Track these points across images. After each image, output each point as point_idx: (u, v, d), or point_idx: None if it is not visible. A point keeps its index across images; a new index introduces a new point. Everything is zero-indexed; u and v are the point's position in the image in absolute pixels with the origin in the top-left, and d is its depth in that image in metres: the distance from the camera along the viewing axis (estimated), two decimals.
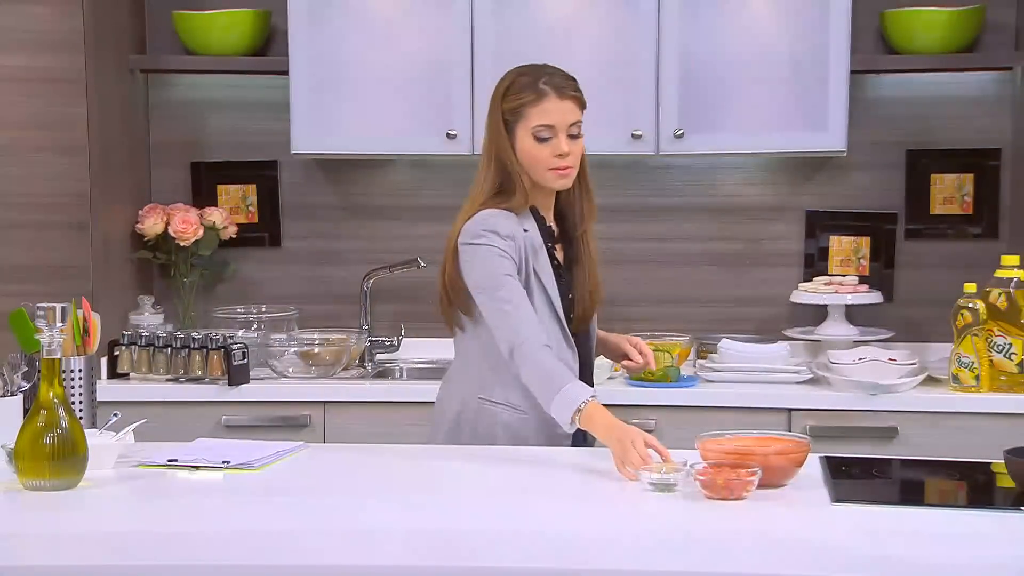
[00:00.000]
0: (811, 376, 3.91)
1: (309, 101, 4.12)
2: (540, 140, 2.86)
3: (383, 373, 4.29)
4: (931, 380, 3.85)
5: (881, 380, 3.75)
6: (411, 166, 4.45)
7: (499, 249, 2.81)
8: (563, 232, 3.00)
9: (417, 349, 4.36)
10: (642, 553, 2.16)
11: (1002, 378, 3.69)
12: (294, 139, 4.14)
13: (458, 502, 2.47)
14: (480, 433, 2.95)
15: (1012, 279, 3.66)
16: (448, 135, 4.08)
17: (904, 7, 4.03)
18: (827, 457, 2.72)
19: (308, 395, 3.94)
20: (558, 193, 2.97)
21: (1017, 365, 3.65)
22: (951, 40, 3.99)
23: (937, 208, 4.23)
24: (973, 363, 3.70)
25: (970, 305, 3.72)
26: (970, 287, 3.76)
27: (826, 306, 4.13)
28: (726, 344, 4.03)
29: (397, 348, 4.34)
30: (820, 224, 4.30)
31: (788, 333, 4.15)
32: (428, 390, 3.94)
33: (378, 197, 4.48)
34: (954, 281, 3.86)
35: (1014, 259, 3.68)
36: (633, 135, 4.02)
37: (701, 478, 2.38)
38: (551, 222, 2.98)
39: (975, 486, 2.75)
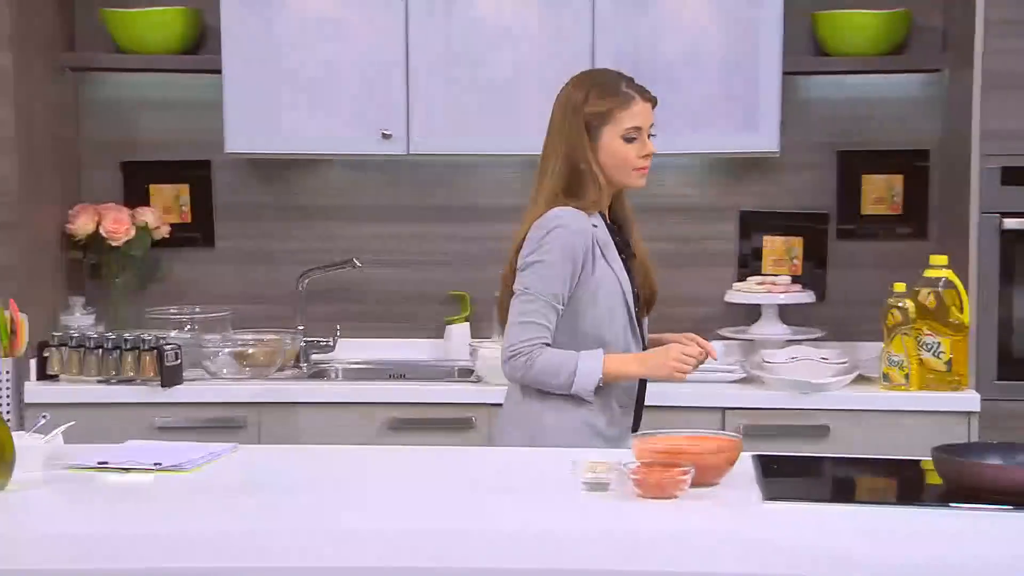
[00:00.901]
0: (745, 375, 3.94)
1: (243, 100, 4.09)
2: (628, 141, 2.99)
3: (319, 374, 4.27)
4: (862, 379, 3.89)
5: (813, 379, 3.79)
6: (346, 166, 4.43)
7: (565, 249, 2.91)
8: (619, 227, 3.12)
9: (353, 349, 4.35)
10: (575, 552, 2.16)
11: (930, 376, 3.74)
12: (228, 138, 4.11)
13: (391, 502, 2.46)
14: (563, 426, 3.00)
15: (940, 279, 3.71)
16: (383, 135, 4.07)
17: (835, 10, 4.07)
18: (759, 455, 2.74)
19: (242, 396, 3.91)
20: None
21: (945, 363, 3.70)
22: (880, 42, 4.04)
23: (868, 208, 4.28)
24: (903, 362, 3.75)
25: (900, 304, 3.76)
26: (899, 287, 3.81)
27: (759, 306, 4.16)
28: None
29: (333, 349, 4.31)
30: (754, 224, 4.33)
31: (722, 332, 4.18)
32: (364, 391, 3.96)
33: (313, 197, 4.46)
34: (884, 281, 3.90)
35: (942, 259, 3.73)
36: None
37: (634, 477, 2.39)
38: (608, 220, 3.09)
39: (905, 483, 2.78)
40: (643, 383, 3.11)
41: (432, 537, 2.22)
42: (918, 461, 2.81)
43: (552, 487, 2.52)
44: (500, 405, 3.82)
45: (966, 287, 3.73)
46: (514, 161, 4.36)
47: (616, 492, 2.43)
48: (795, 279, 4.22)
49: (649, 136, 3.04)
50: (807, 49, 4.19)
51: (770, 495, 2.45)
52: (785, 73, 3.99)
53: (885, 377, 3.80)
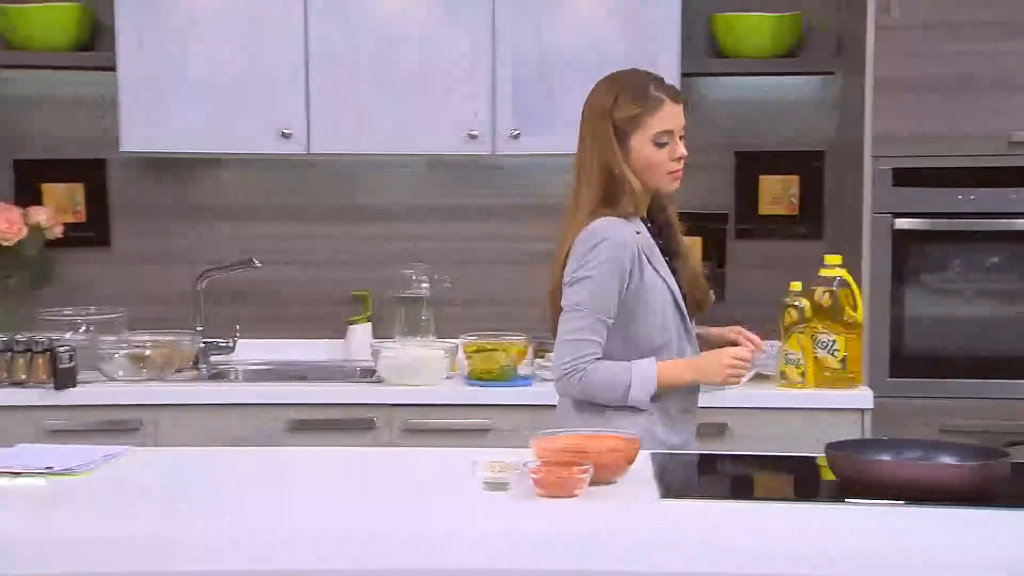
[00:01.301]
0: None
1: (138, 98, 4.03)
2: (659, 145, 2.91)
3: (218, 375, 4.22)
4: (760, 377, 3.94)
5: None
6: (246, 165, 4.38)
7: (611, 262, 2.84)
8: (660, 228, 3.04)
9: (253, 350, 4.31)
10: (475, 551, 2.16)
11: (826, 374, 3.80)
12: (123, 137, 4.05)
13: (289, 504, 2.43)
14: None
15: (835, 278, 3.76)
16: (283, 134, 4.03)
17: (731, 12, 4.13)
18: (656, 453, 2.76)
19: (139, 399, 3.85)
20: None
21: (840, 361, 3.77)
22: (776, 45, 4.11)
23: (765, 208, 4.34)
24: (799, 360, 3.80)
25: (796, 303, 3.82)
26: (795, 286, 3.86)
27: None
28: None
29: (232, 350, 4.26)
30: None
31: None
32: (264, 392, 3.92)
33: (212, 196, 4.40)
34: (781, 280, 3.95)
35: (836, 259, 3.79)
36: (469, 135, 4.03)
37: (534, 476, 2.40)
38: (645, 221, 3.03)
39: (801, 480, 2.82)
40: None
41: (332, 539, 2.21)
42: (814, 458, 2.85)
43: (452, 487, 2.52)
44: (402, 405, 3.86)
45: (860, 286, 3.80)
46: (415, 161, 4.36)
47: (516, 491, 2.44)
48: None
49: (680, 137, 2.95)
50: (705, 51, 4.24)
51: (667, 493, 2.47)
52: (683, 74, 4.03)
53: (782, 375, 3.85)
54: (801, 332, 3.80)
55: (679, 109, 2.93)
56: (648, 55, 3.99)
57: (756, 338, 3.00)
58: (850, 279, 3.74)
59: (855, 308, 3.73)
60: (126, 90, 4.02)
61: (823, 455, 2.65)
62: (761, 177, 4.33)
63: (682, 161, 2.94)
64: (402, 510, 2.39)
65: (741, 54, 4.12)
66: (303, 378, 4.16)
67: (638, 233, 2.92)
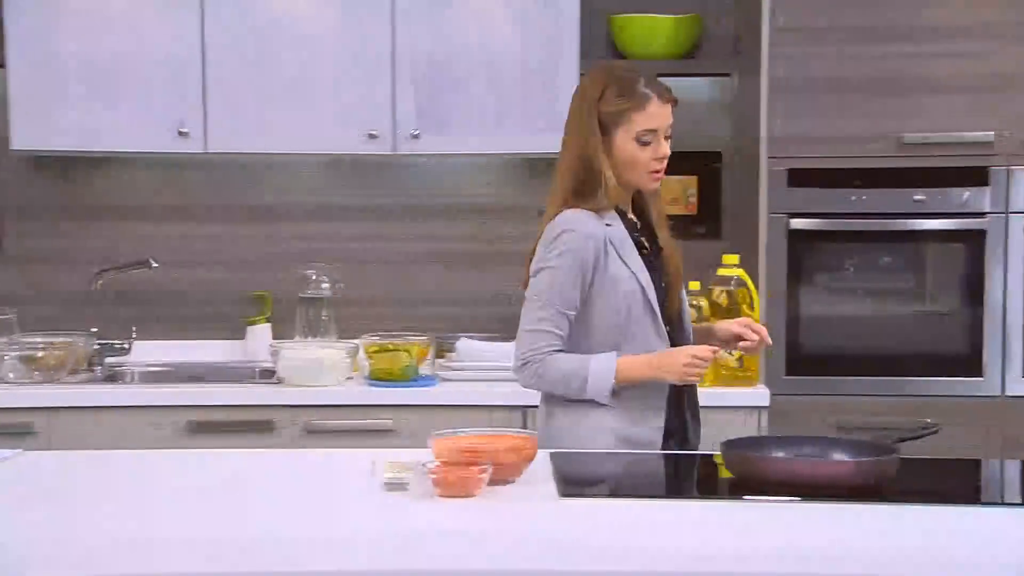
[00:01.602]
0: None
1: (29, 95, 3.95)
2: (642, 144, 2.88)
3: (113, 377, 4.15)
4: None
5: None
6: (142, 164, 4.32)
7: (573, 254, 2.86)
8: (644, 224, 3.01)
9: (150, 352, 4.25)
10: (374, 552, 2.15)
11: (724, 373, 3.84)
12: (13, 136, 3.98)
13: (185, 507, 2.40)
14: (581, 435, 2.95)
15: (732, 277, 3.81)
16: (180, 133, 3.98)
17: (630, 13, 4.16)
18: (556, 452, 2.78)
19: (31, 401, 3.77)
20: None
21: (737, 360, 3.81)
22: (674, 46, 4.15)
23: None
24: None
25: (694, 303, 3.85)
26: (694, 285, 3.90)
27: None
28: (464, 343, 4.06)
29: (128, 351, 4.20)
30: None
31: None
32: (161, 394, 3.87)
33: (107, 196, 4.33)
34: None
35: (734, 258, 3.84)
36: (369, 134, 4.01)
37: (433, 476, 2.40)
38: (631, 215, 3.00)
39: (700, 477, 2.85)
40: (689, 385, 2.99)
41: (230, 543, 2.18)
42: (711, 455, 2.88)
43: (352, 489, 2.50)
44: (302, 407, 3.83)
45: (757, 285, 3.85)
46: (314, 160, 4.33)
47: (415, 491, 2.43)
48: None
49: (666, 137, 2.93)
50: (604, 52, 4.26)
51: (566, 491, 2.48)
52: (583, 75, 4.04)
53: None
54: None
55: (666, 109, 2.91)
56: (549, 55, 4.02)
57: (763, 330, 2.98)
58: (747, 278, 3.79)
59: (752, 307, 3.78)
60: (16, 88, 3.95)
61: (719, 452, 2.68)
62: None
63: (664, 161, 2.92)
64: (300, 512, 2.38)
65: (639, 55, 4.15)
66: (201, 379, 4.11)
67: (609, 226, 2.90)
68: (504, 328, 4.27)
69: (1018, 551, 2.21)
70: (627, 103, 2.87)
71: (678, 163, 4.31)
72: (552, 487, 2.51)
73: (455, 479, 2.38)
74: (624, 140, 2.88)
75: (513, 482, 2.51)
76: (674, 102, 2.93)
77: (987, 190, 3.74)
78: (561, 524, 2.31)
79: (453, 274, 4.39)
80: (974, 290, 3.78)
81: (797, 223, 3.89)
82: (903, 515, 2.39)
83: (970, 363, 3.79)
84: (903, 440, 2.70)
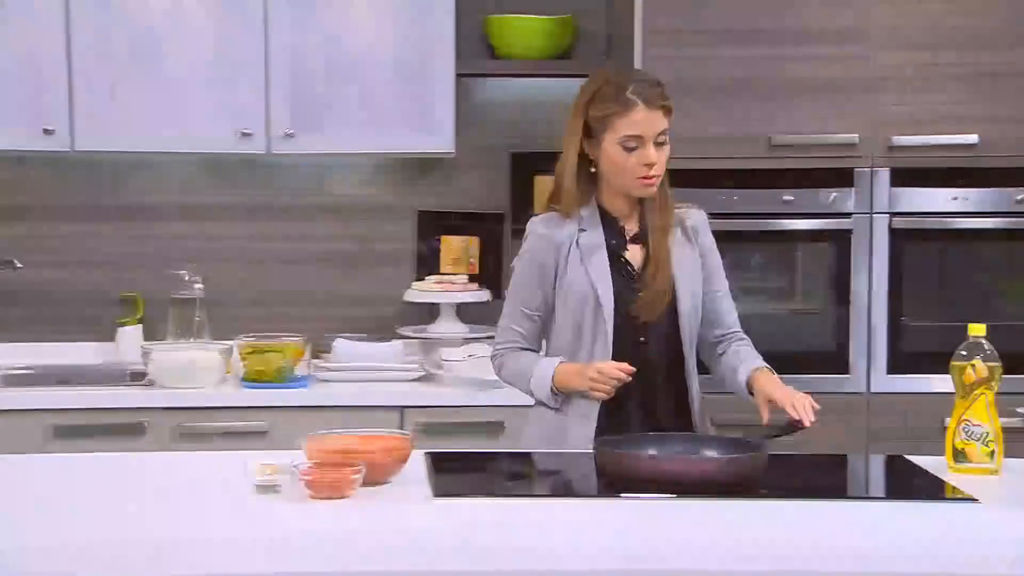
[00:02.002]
0: (423, 374, 3.98)
1: None
2: (628, 150, 2.83)
3: None
4: None
5: (488, 376, 3.84)
6: (6, 163, 4.21)
7: (530, 255, 2.92)
8: (644, 233, 2.94)
9: (14, 355, 4.14)
10: (244, 555, 2.13)
11: None
12: None
13: (50, 512, 2.35)
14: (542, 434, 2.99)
15: None
16: (44, 131, 3.89)
17: (504, 14, 4.17)
18: (432, 452, 2.77)
19: None
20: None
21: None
22: (548, 47, 4.17)
23: (540, 208, 4.32)
24: None
25: None
26: None
27: (438, 304, 4.21)
28: (340, 343, 4.04)
29: None
30: (431, 224, 4.38)
31: (402, 332, 4.21)
32: (27, 397, 3.78)
33: None
34: None
35: None
36: (243, 133, 3.97)
37: (305, 478, 2.38)
38: (627, 223, 2.94)
39: (576, 477, 2.87)
40: (648, 383, 2.91)
41: (97, 548, 2.14)
42: (587, 454, 2.90)
43: (223, 491, 2.47)
44: (174, 409, 3.78)
45: None
46: (185, 160, 4.26)
47: (288, 493, 2.41)
48: (472, 278, 4.29)
49: (658, 144, 2.85)
50: (479, 52, 4.27)
51: (440, 491, 2.48)
52: (459, 75, 4.06)
53: None
54: None
55: (654, 115, 2.84)
56: (424, 55, 4.01)
57: (805, 412, 2.76)
58: None
59: None
60: None
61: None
62: (536, 177, 4.37)
63: (653, 168, 2.85)
64: (168, 516, 2.34)
65: (515, 55, 4.17)
66: (67, 382, 4.01)
67: (582, 231, 2.90)
68: (380, 328, 4.27)
69: (882, 543, 2.27)
70: (611, 108, 2.84)
71: (554, 163, 4.37)
72: (427, 488, 2.51)
73: (327, 481, 2.36)
74: (610, 145, 2.85)
75: (388, 483, 2.51)
76: (666, 109, 2.86)
77: (852, 191, 3.83)
78: (434, 525, 2.31)
79: (329, 274, 4.36)
80: (841, 289, 3.86)
81: None
82: (772, 510, 2.44)
83: (837, 361, 3.87)
84: (772, 437, 2.75)
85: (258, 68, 3.96)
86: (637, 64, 3.81)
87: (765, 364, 2.94)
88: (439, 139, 4.05)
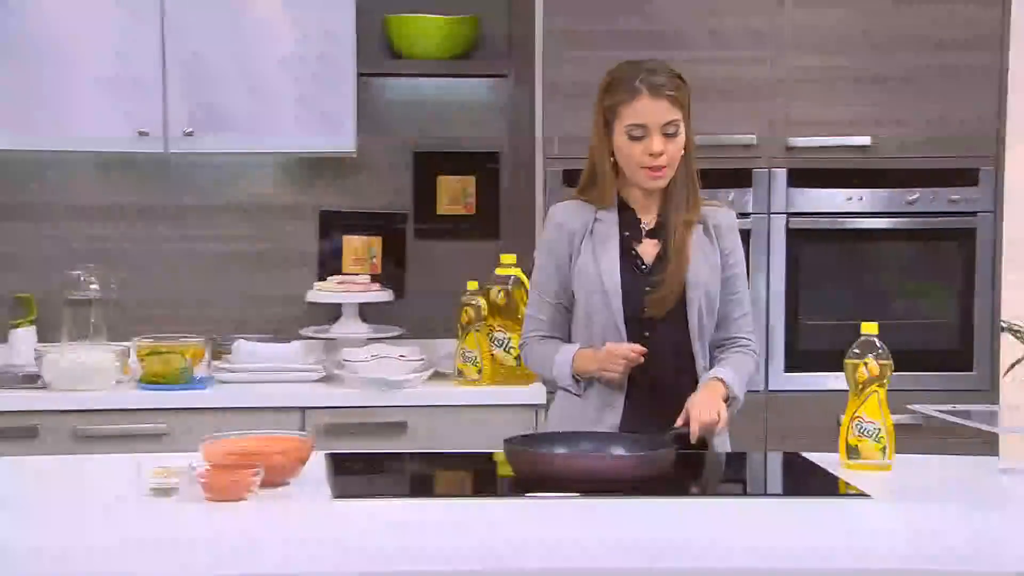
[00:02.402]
0: (326, 374, 3.96)
1: None
2: (633, 139, 2.84)
3: None
4: (439, 375, 3.99)
5: (391, 376, 3.85)
6: None
7: (547, 243, 2.97)
8: (664, 226, 2.93)
9: None
10: (138, 559, 2.09)
11: (502, 371, 3.88)
12: None
13: None
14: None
15: (510, 277, 3.85)
16: None
17: (405, 13, 4.15)
18: (332, 454, 2.76)
19: None
20: (670, 186, 2.91)
21: (515, 359, 3.85)
22: (451, 47, 4.16)
23: (443, 208, 4.39)
24: (476, 357, 3.88)
25: (473, 302, 3.89)
26: (472, 285, 3.94)
27: (340, 305, 4.19)
28: (240, 344, 4.00)
29: None
30: (334, 224, 4.35)
31: (304, 332, 4.18)
32: None
33: None
34: (460, 279, 4.02)
35: (511, 258, 3.88)
36: (140, 133, 3.91)
37: (202, 480, 2.35)
38: (644, 215, 2.94)
39: (480, 476, 2.87)
40: (657, 378, 2.90)
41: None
42: (491, 454, 2.91)
43: (117, 495, 2.43)
44: (70, 412, 3.71)
45: None
46: (84, 158, 4.19)
47: (184, 496, 2.38)
48: (374, 278, 4.27)
49: (670, 135, 2.84)
50: (381, 51, 4.25)
51: (339, 493, 2.47)
52: (360, 74, 4.04)
53: (459, 373, 3.91)
54: (478, 330, 3.88)
55: (659, 104, 2.83)
56: (325, 55, 3.99)
57: (697, 422, 2.78)
58: (524, 278, 3.83)
59: None
60: None
61: (500, 451, 2.71)
62: (439, 177, 4.38)
63: (659, 158, 2.84)
64: (61, 520, 2.30)
65: (417, 55, 4.15)
66: None
67: (598, 220, 2.92)
68: (282, 328, 4.23)
69: (778, 539, 2.30)
70: (618, 97, 2.86)
71: (456, 164, 4.39)
72: (327, 489, 2.49)
73: (224, 483, 2.34)
74: (619, 134, 2.87)
75: (287, 484, 2.49)
76: (672, 98, 2.85)
77: (750, 191, 3.88)
78: (332, 526, 2.30)
79: (230, 275, 4.31)
80: None
81: None
82: (673, 508, 2.46)
83: None
84: (679, 435, 2.77)
85: (155, 66, 3.91)
86: (539, 65, 3.83)
87: (726, 375, 2.90)
88: (341, 139, 4.02)
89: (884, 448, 2.72)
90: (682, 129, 2.88)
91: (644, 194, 2.95)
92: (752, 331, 3.03)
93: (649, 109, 2.83)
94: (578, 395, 2.94)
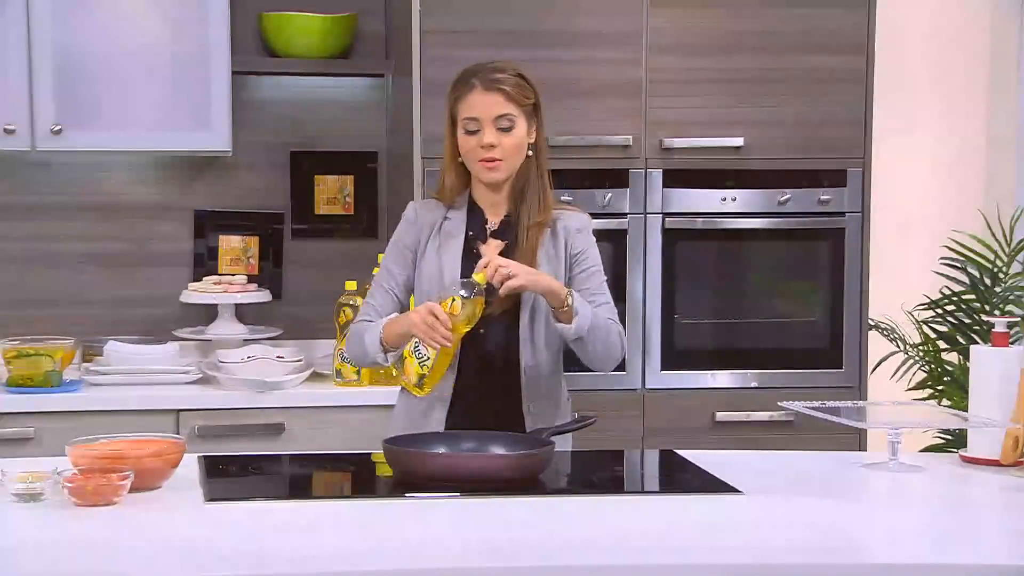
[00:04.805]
0: (201, 376, 3.90)
1: None
2: (468, 132, 2.90)
3: None
4: (317, 376, 3.96)
5: (268, 377, 3.81)
6: None
7: (396, 235, 3.03)
8: (510, 226, 2.96)
9: None
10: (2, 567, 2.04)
11: (381, 372, 3.86)
12: None
13: None
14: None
15: None
16: None
17: (281, 11, 4.11)
18: (206, 456, 2.72)
19: None
20: (520, 187, 2.95)
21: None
22: (327, 46, 4.13)
23: (321, 208, 4.36)
24: None
25: (351, 303, 3.87)
26: (351, 285, 3.92)
27: (216, 305, 4.13)
28: (113, 346, 3.93)
29: None
30: (209, 224, 4.29)
31: (178, 333, 4.11)
32: None
33: None
34: (338, 279, 4.00)
35: None
36: (5, 130, 3.82)
37: (69, 485, 2.30)
38: (492, 216, 2.98)
39: (359, 476, 2.86)
40: (485, 376, 2.92)
41: None
42: (370, 454, 2.90)
43: None
44: None
45: None
46: None
47: (51, 501, 2.33)
48: (251, 278, 4.22)
49: (504, 129, 2.88)
50: (256, 49, 4.20)
51: (212, 496, 2.43)
52: (235, 72, 3.99)
53: (338, 373, 3.89)
54: None
55: (491, 98, 2.89)
56: (198, 53, 3.93)
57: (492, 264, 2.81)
58: None
59: None
60: None
61: (379, 451, 2.70)
62: (316, 177, 4.34)
63: (492, 150, 2.89)
64: None
65: (293, 54, 4.11)
66: None
67: (447, 219, 2.98)
68: (155, 330, 4.16)
69: (654, 536, 2.33)
70: (456, 93, 2.95)
71: (334, 163, 4.36)
72: (199, 492, 2.46)
73: (92, 487, 2.30)
74: (459, 130, 2.94)
75: (159, 488, 2.45)
76: (505, 92, 2.90)
77: (627, 191, 3.92)
78: (204, 529, 2.27)
79: (102, 275, 4.23)
80: (617, 288, 3.91)
81: None
82: (551, 506, 2.48)
83: None
84: (559, 433, 2.79)
85: (21, 62, 3.81)
86: (416, 65, 3.82)
87: (572, 292, 2.89)
88: (215, 137, 3.97)
89: (423, 376, 2.84)
90: (518, 124, 2.92)
91: (493, 194, 2.99)
92: (614, 320, 2.99)
93: (480, 102, 2.90)
94: (385, 365, 2.96)
